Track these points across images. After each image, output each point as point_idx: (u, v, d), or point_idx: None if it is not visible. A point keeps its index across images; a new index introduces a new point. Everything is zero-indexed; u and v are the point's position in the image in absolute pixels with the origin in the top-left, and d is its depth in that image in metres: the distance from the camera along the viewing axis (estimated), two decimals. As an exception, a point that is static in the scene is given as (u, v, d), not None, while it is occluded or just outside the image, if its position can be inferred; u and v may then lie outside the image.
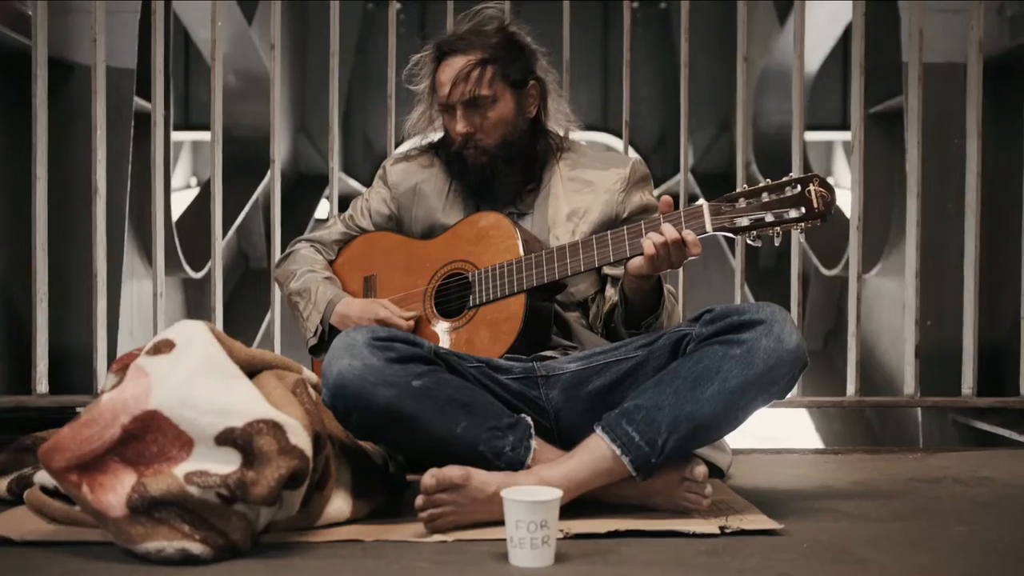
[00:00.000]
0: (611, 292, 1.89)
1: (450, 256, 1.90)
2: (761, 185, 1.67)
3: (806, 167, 4.80)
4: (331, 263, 2.06)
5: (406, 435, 1.59)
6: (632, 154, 2.14)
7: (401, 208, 2.01)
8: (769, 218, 1.64)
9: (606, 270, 1.90)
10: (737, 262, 2.66)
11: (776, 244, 1.67)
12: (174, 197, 5.06)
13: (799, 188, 1.63)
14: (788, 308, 2.59)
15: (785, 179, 1.65)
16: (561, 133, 1.97)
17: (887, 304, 3.86)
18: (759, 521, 1.58)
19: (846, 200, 2.75)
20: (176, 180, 6.98)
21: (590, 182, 1.91)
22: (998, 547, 1.49)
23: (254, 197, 5.26)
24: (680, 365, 1.61)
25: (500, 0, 2.69)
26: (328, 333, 1.92)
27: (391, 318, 1.86)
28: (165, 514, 1.38)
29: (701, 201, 1.71)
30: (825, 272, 4.70)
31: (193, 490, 1.38)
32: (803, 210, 1.63)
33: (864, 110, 2.70)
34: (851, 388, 2.60)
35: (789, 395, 2.57)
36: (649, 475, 1.58)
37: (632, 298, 1.76)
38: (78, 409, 2.38)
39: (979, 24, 2.59)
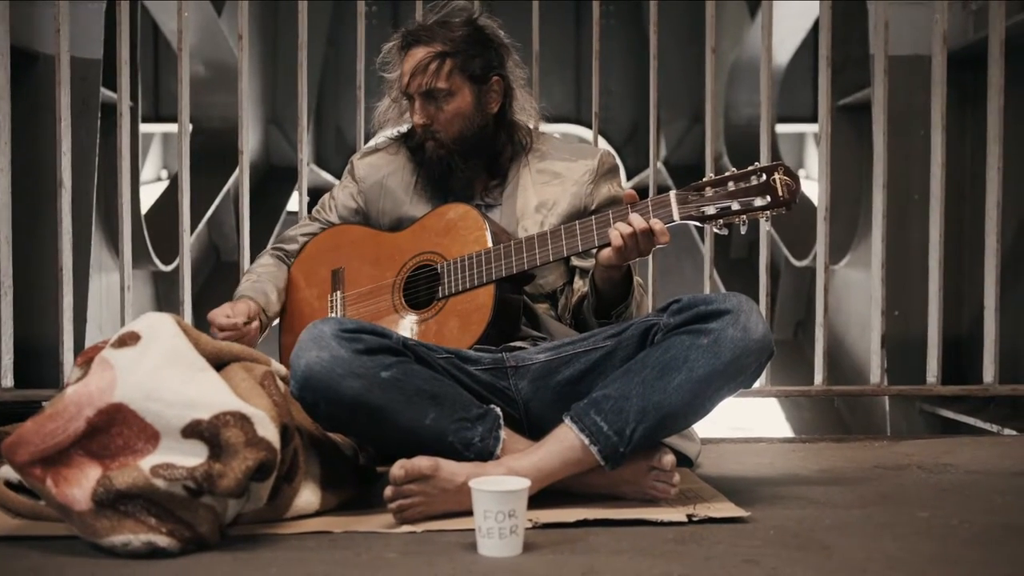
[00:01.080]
0: (580, 283, 1.90)
1: (418, 248, 1.90)
2: (727, 174, 1.69)
3: (777, 159, 4.84)
4: (311, 238, 2.05)
5: (375, 426, 1.59)
6: (602, 145, 2.14)
7: (368, 202, 2.01)
8: (735, 206, 1.66)
9: (574, 261, 1.91)
10: (707, 252, 2.68)
11: (743, 232, 1.70)
12: (144, 189, 5.01)
13: (764, 177, 1.66)
14: (757, 299, 2.64)
15: (751, 168, 1.68)
16: (531, 126, 1.98)
17: (856, 294, 3.90)
18: (726, 509, 1.60)
19: (815, 191, 2.78)
20: (146, 172, 6.90)
21: (559, 174, 1.92)
22: (959, 532, 1.52)
23: (225, 189, 5.21)
24: (648, 355, 1.62)
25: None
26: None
27: (214, 318, 1.84)
28: (131, 507, 1.38)
29: (669, 192, 1.74)
30: (795, 263, 4.74)
31: (159, 483, 1.37)
32: (768, 199, 1.65)
33: (833, 102, 2.72)
34: (818, 378, 2.63)
35: (758, 384, 2.60)
36: (617, 464, 1.59)
37: (602, 287, 1.76)
38: (43, 403, 2.35)
39: (943, 18, 2.62)
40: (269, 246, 2.12)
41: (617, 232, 1.66)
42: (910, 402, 3.24)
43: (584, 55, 7.06)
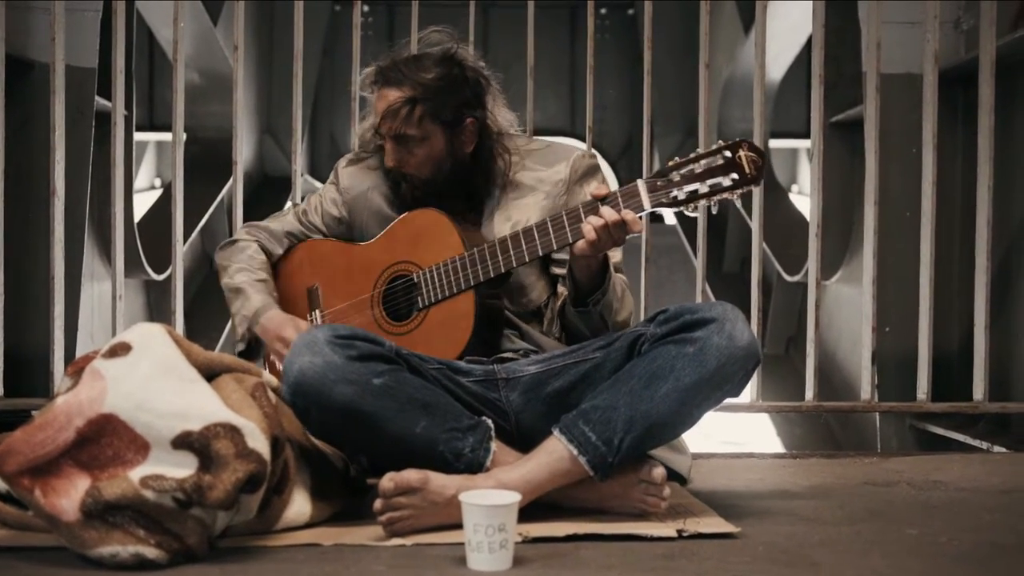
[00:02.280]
0: (562, 289, 1.89)
1: (391, 258, 1.89)
2: (692, 156, 1.68)
3: (770, 174, 4.83)
4: (281, 256, 2.03)
5: (365, 434, 1.59)
6: (580, 145, 2.07)
7: (353, 212, 1.99)
8: (704, 189, 1.66)
9: (554, 269, 1.90)
10: (699, 266, 2.69)
11: (714, 212, 1.69)
12: (138, 198, 5.01)
13: (729, 155, 1.65)
14: (749, 313, 2.64)
15: (714, 147, 1.67)
16: (512, 133, 1.94)
17: (847, 310, 3.91)
18: (716, 524, 1.60)
19: (808, 207, 2.80)
20: (140, 181, 6.90)
21: (531, 187, 1.89)
22: (947, 550, 1.52)
23: (219, 198, 5.21)
24: (635, 365, 1.63)
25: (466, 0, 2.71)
26: (256, 341, 1.93)
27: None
28: (120, 518, 1.37)
29: (636, 181, 1.72)
30: (787, 278, 4.75)
31: (148, 494, 1.37)
32: (736, 176, 1.65)
33: (825, 119, 2.74)
34: (809, 393, 2.63)
35: (749, 400, 2.62)
36: (606, 475, 1.59)
37: (579, 277, 1.75)
38: (33, 413, 2.34)
39: (935, 37, 2.64)
40: (252, 228, 2.06)
41: (590, 226, 1.65)
42: (900, 418, 3.24)
43: (579, 69, 7.10)
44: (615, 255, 1.86)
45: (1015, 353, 2.87)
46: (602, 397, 1.61)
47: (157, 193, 6.67)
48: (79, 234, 3.02)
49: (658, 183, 1.67)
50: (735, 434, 5.82)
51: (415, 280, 1.85)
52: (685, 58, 6.22)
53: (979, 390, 2.61)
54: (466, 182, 1.90)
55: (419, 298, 1.84)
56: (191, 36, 4.52)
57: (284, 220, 2.06)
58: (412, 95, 1.81)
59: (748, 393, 2.63)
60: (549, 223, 1.74)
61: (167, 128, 3.06)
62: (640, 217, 1.67)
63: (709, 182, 1.65)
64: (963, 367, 2.84)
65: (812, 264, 2.66)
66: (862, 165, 2.74)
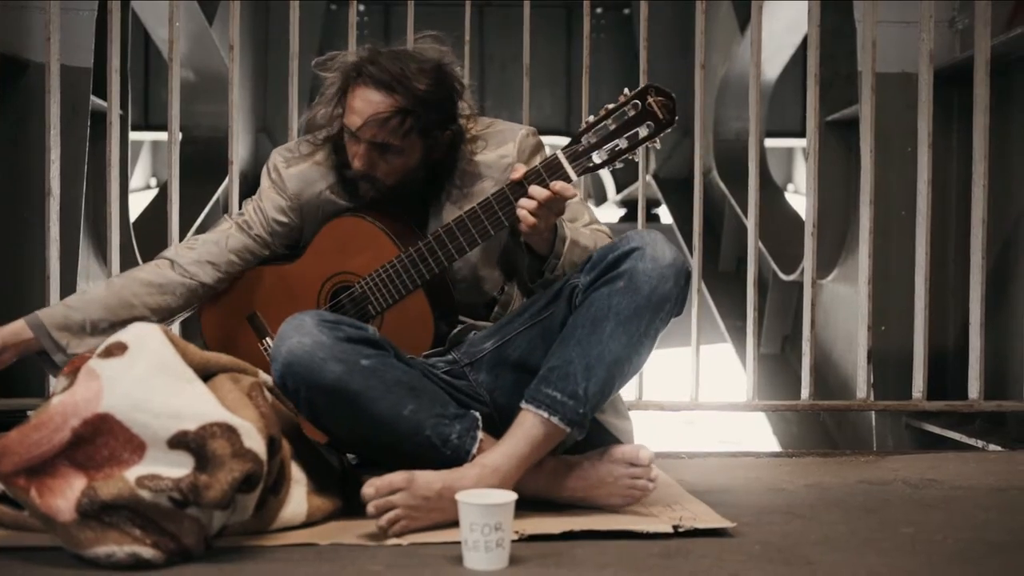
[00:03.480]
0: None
1: (325, 272, 1.86)
2: (602, 114, 1.70)
3: (766, 173, 4.84)
4: (211, 292, 1.89)
5: (353, 414, 1.59)
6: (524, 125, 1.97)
7: (305, 216, 1.89)
8: (623, 144, 1.69)
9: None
10: (695, 267, 2.69)
11: (638, 161, 1.71)
12: (133, 198, 4.99)
13: (640, 104, 1.68)
14: (745, 316, 2.65)
15: (621, 99, 1.69)
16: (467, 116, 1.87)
17: (843, 309, 3.91)
18: (712, 520, 1.60)
19: (804, 206, 2.80)
20: (135, 180, 6.89)
21: (479, 174, 1.85)
22: (943, 548, 1.53)
23: (215, 198, 5.20)
24: (576, 317, 1.64)
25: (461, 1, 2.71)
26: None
27: None
28: (115, 518, 1.37)
29: (556, 152, 1.73)
30: (783, 277, 4.76)
31: (145, 494, 1.37)
32: (651, 124, 1.68)
33: (821, 118, 2.75)
34: (805, 392, 2.64)
35: (746, 399, 2.62)
36: (583, 428, 1.61)
37: (538, 248, 1.74)
38: (28, 413, 2.34)
39: (930, 37, 2.64)
40: (172, 254, 1.89)
41: (524, 211, 1.67)
42: (896, 416, 3.25)
43: (575, 68, 7.10)
44: (583, 217, 1.85)
45: (1010, 352, 2.88)
46: (555, 358, 1.62)
47: (153, 192, 6.66)
48: (74, 234, 3.01)
49: (578, 149, 1.70)
50: (731, 433, 5.83)
51: (359, 290, 1.84)
52: (680, 57, 6.23)
53: (974, 389, 2.61)
54: (427, 185, 1.86)
55: (368, 306, 1.84)
56: (186, 36, 4.51)
57: (225, 236, 1.89)
58: (404, 106, 1.73)
59: (744, 392, 2.65)
60: (479, 210, 1.74)
61: (163, 127, 3.06)
62: (572, 183, 1.68)
63: (626, 135, 1.68)
64: (959, 366, 2.85)
65: (808, 263, 2.66)
66: (858, 164, 2.75)
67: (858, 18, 3.06)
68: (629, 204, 7.86)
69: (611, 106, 1.69)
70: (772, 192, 5.44)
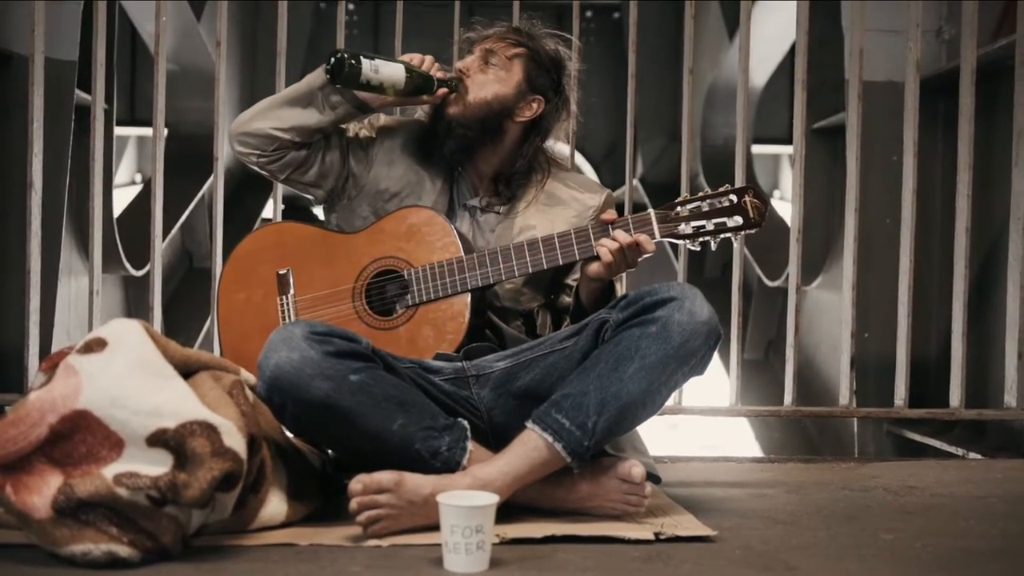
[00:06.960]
0: (567, 300, 1.90)
1: (378, 252, 1.85)
2: (701, 194, 1.77)
3: (752, 180, 4.87)
4: (249, 236, 1.94)
5: (342, 430, 1.58)
6: (579, 161, 2.13)
7: (375, 161, 1.91)
8: (709, 226, 1.76)
9: (566, 279, 1.92)
10: (681, 271, 2.69)
11: (713, 249, 1.78)
12: (118, 193, 4.95)
13: (735, 199, 1.76)
14: (730, 319, 2.65)
15: (722, 189, 1.77)
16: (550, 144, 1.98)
17: (827, 316, 3.94)
18: (693, 527, 1.60)
19: (789, 213, 2.81)
20: (120, 176, 6.83)
21: (564, 200, 1.92)
22: (922, 555, 1.53)
23: (199, 195, 5.17)
24: (601, 351, 1.65)
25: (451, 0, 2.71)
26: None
27: None
28: (92, 516, 1.36)
29: (649, 209, 1.80)
30: (768, 283, 4.78)
31: (122, 492, 1.35)
32: (740, 220, 1.75)
33: (807, 125, 2.76)
34: (788, 398, 2.64)
35: (729, 404, 2.63)
36: (584, 461, 1.60)
37: (586, 300, 1.80)
38: (5, 408, 2.31)
39: (917, 46, 2.66)
40: None
41: (605, 248, 1.72)
42: (878, 423, 3.27)
43: (564, 71, 7.10)
44: (620, 287, 1.89)
45: (992, 360, 2.90)
46: (572, 386, 1.62)
47: (137, 188, 6.60)
48: (57, 228, 2.99)
49: (669, 214, 1.77)
50: (713, 438, 5.84)
51: (405, 276, 1.83)
52: (669, 62, 6.24)
53: (956, 397, 2.63)
54: (509, 150, 1.89)
55: (409, 295, 1.83)
56: (173, 31, 4.48)
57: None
58: (522, 46, 1.88)
59: (727, 397, 2.66)
60: (556, 239, 1.77)
61: (148, 122, 3.03)
62: (654, 240, 1.74)
63: (715, 220, 1.76)
64: (940, 373, 2.87)
65: (792, 269, 2.67)
66: (843, 171, 2.76)
67: (846, 26, 3.08)
68: (617, 208, 7.87)
69: (711, 191, 1.77)
70: (758, 198, 5.45)
